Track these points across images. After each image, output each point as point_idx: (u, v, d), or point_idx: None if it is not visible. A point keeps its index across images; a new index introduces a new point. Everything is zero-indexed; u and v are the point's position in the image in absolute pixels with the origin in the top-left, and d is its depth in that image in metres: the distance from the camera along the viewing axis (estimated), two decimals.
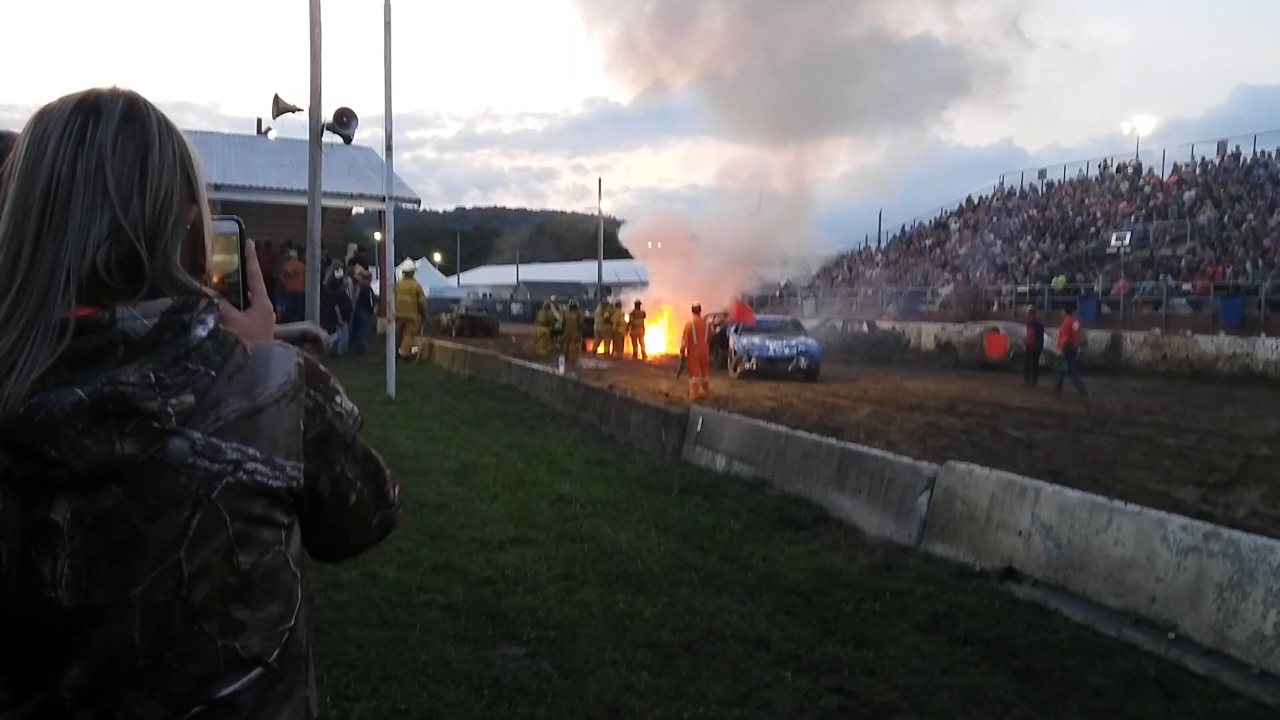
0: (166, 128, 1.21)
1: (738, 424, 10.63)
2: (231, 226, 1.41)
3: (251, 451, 1.14)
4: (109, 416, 1.07)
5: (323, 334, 1.61)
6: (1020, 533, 6.49)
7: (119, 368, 1.08)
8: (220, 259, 1.38)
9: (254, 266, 1.39)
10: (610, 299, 40.07)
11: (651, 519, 7.93)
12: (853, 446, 8.80)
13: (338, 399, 1.27)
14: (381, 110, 16.29)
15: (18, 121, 1.22)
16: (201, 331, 1.14)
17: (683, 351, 21.62)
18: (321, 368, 1.27)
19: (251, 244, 1.40)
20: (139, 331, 1.10)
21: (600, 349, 34.56)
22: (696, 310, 21.87)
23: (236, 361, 1.16)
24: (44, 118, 1.16)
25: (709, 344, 21.70)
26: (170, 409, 1.09)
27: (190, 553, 1.10)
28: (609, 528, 7.52)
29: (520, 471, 9.74)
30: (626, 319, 34.78)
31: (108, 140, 1.15)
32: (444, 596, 5.63)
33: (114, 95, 1.19)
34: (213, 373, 1.13)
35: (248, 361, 1.18)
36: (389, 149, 16.99)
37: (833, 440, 9.21)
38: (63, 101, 1.18)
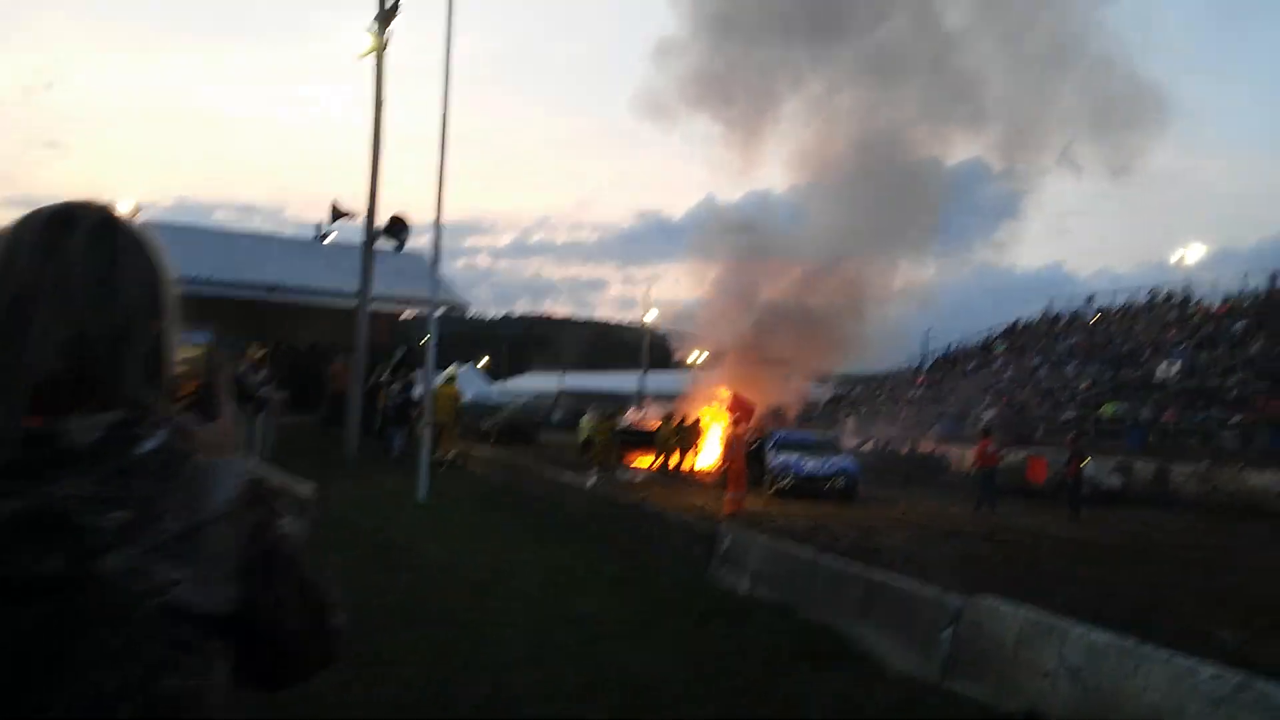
0: (137, 243, 1.23)
1: (765, 545, 10.47)
2: (204, 338, 1.42)
3: (185, 572, 1.11)
4: (42, 530, 1.05)
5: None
6: (1046, 674, 6.25)
7: (59, 480, 1.07)
8: (190, 369, 1.38)
9: (222, 379, 1.38)
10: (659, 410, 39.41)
11: (669, 643, 7.75)
12: (878, 575, 8.60)
13: (285, 520, 1.24)
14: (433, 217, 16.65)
15: None
16: (150, 445, 1.13)
17: (722, 466, 21.48)
18: (268, 486, 1.25)
19: (224, 356, 1.40)
20: (85, 443, 1.10)
21: (660, 461, 33.21)
22: (735, 423, 21.79)
23: (183, 477, 1.14)
24: (21, 225, 1.18)
25: (746, 458, 21.52)
26: (105, 524, 1.07)
27: (113, 674, 1.06)
28: (625, 651, 7.34)
29: (540, 587, 9.59)
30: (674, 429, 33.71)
31: (76, 252, 1.16)
32: (445, 716, 5.50)
33: (88, 208, 1.21)
34: (154, 488, 1.12)
35: (194, 477, 1.16)
36: (436, 258, 17.35)
37: (859, 567, 9.01)
38: (40, 211, 1.20)
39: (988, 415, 40.75)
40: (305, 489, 4.14)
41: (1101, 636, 6.16)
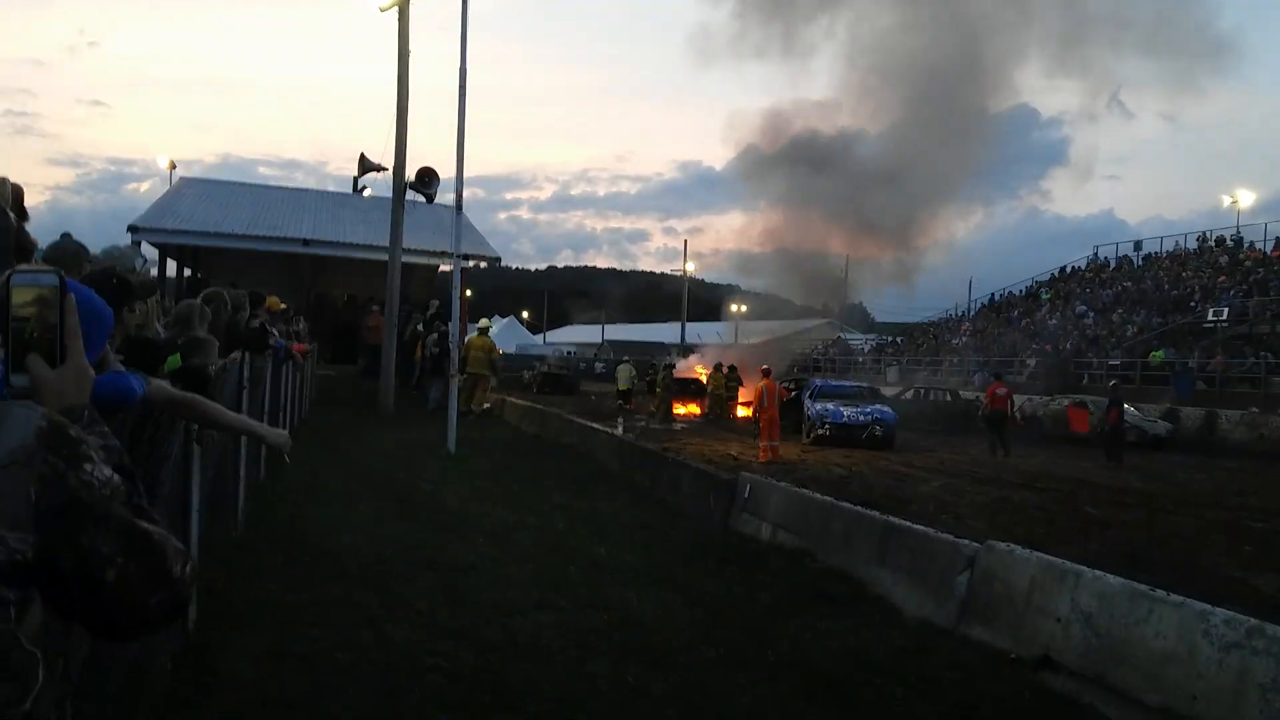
0: None
1: (784, 492, 10.39)
2: (51, 280, 1.35)
3: None
4: None
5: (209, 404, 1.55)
6: (1059, 619, 6.16)
7: None
8: (35, 310, 1.33)
9: (73, 322, 1.33)
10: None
11: (683, 589, 7.74)
12: (895, 520, 8.51)
13: (87, 466, 1.20)
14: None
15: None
16: None
17: (754, 415, 21.40)
18: (70, 432, 1.20)
19: (73, 298, 1.35)
20: None
21: (709, 409, 33.31)
22: (766, 373, 21.64)
23: None
24: None
25: (781, 407, 21.41)
26: None
27: None
28: (636, 596, 7.34)
29: (560, 534, 9.62)
30: (722, 380, 33.80)
31: None
32: (450, 662, 5.52)
33: None
34: None
35: None
36: (459, 207, 17.33)
37: (875, 513, 8.91)
38: None
39: (1032, 363, 40.18)
40: (280, 437, 4.10)
41: (1113, 581, 6.03)
